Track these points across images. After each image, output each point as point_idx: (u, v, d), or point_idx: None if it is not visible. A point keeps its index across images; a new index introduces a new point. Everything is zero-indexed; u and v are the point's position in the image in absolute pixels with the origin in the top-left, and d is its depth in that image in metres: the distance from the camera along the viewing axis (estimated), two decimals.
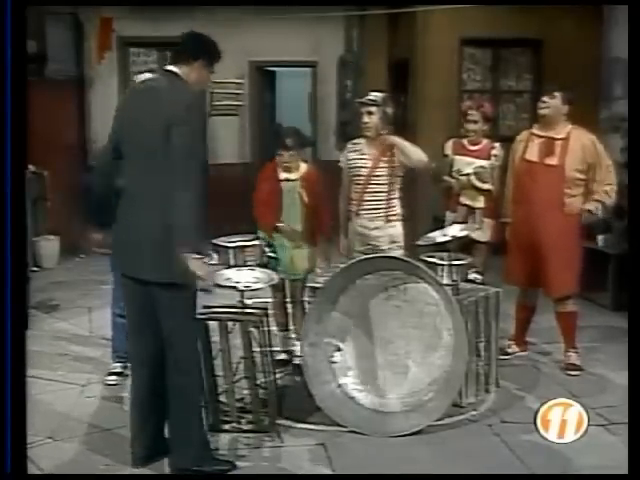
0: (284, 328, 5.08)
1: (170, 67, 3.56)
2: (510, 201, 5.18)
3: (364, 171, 4.73)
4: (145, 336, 3.58)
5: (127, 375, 4.73)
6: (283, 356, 4.93)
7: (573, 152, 4.84)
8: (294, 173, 4.85)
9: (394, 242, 4.73)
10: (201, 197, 3.36)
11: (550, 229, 4.87)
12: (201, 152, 3.48)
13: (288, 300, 5.02)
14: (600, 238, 6.59)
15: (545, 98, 4.93)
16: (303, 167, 4.91)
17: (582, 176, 4.87)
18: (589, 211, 4.92)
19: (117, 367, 4.78)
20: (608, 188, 4.88)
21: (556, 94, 4.89)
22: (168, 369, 3.55)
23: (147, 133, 3.35)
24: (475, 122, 5.38)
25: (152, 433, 3.66)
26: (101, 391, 4.66)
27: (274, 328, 4.89)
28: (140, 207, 3.42)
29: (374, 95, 4.72)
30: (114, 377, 4.74)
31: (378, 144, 4.72)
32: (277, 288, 4.90)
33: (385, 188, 4.71)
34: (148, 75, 4.35)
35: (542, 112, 4.94)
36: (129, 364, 4.59)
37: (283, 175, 4.85)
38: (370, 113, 4.67)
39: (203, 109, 3.47)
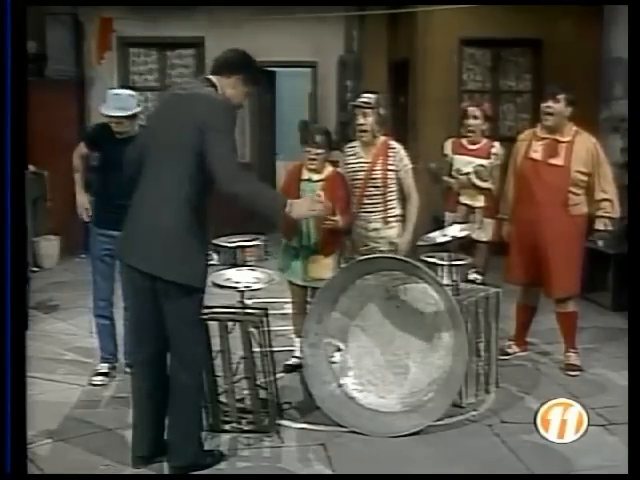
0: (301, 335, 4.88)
1: (209, 76, 3.60)
2: (510, 199, 5.18)
3: (361, 174, 4.73)
4: (148, 333, 3.58)
5: (114, 376, 4.78)
6: (293, 361, 4.88)
7: (577, 154, 4.83)
8: (318, 174, 4.65)
9: (393, 243, 4.73)
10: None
11: (553, 229, 4.85)
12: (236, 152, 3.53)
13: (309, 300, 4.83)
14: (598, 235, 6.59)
15: (549, 103, 4.84)
16: (329, 170, 4.70)
17: (585, 178, 4.87)
18: (599, 230, 4.96)
19: (103, 367, 4.80)
20: (608, 204, 4.87)
21: (559, 97, 4.83)
22: (172, 369, 3.56)
23: (176, 134, 3.40)
24: (475, 117, 5.36)
25: (153, 433, 3.66)
26: (101, 391, 4.65)
27: (280, 329, 4.90)
28: (155, 203, 3.44)
29: (367, 97, 4.71)
30: (100, 377, 4.75)
31: (374, 146, 4.72)
32: (297, 293, 4.83)
33: (382, 190, 4.71)
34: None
35: (547, 124, 4.88)
36: (130, 365, 4.63)
37: (307, 175, 4.68)
38: (365, 115, 4.67)
39: (235, 117, 3.52)
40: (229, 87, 3.56)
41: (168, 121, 3.48)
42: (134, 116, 4.62)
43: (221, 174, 3.33)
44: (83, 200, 4.82)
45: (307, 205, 3.62)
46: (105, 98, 4.73)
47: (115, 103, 4.61)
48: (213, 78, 3.58)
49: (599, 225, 4.96)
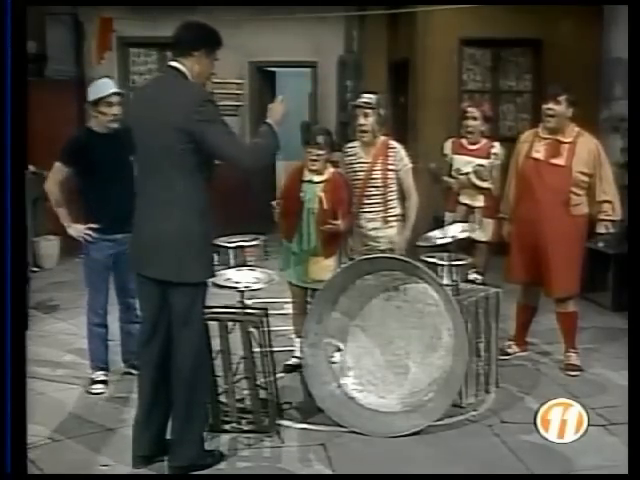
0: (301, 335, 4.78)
1: (172, 63, 3.54)
2: (511, 199, 5.17)
3: (361, 174, 4.73)
4: (159, 336, 3.60)
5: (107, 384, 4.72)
6: (293, 361, 4.87)
7: (579, 155, 4.83)
8: (319, 176, 4.63)
9: (392, 243, 4.73)
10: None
11: (554, 228, 4.85)
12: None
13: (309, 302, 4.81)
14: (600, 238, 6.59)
15: (551, 104, 4.83)
16: (330, 171, 4.68)
17: (586, 179, 4.87)
18: (601, 234, 5.01)
19: (100, 376, 4.69)
20: (609, 206, 4.88)
21: (560, 98, 4.82)
22: (177, 367, 3.56)
23: (158, 136, 3.39)
24: (474, 119, 5.35)
25: (155, 433, 3.67)
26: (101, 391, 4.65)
27: (280, 329, 4.89)
28: (155, 208, 3.46)
29: (367, 97, 4.71)
30: (100, 385, 4.64)
31: (374, 146, 4.72)
32: (297, 294, 4.82)
33: (382, 190, 4.71)
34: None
35: (549, 125, 4.88)
36: (132, 365, 4.64)
37: (308, 176, 4.66)
38: (365, 115, 4.67)
39: (214, 100, 3.50)
40: (195, 64, 3.49)
41: (152, 126, 3.42)
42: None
43: (237, 159, 3.44)
44: (79, 228, 4.57)
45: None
46: (91, 89, 4.57)
47: (105, 84, 4.55)
48: (176, 64, 3.50)
49: (600, 228, 4.96)
